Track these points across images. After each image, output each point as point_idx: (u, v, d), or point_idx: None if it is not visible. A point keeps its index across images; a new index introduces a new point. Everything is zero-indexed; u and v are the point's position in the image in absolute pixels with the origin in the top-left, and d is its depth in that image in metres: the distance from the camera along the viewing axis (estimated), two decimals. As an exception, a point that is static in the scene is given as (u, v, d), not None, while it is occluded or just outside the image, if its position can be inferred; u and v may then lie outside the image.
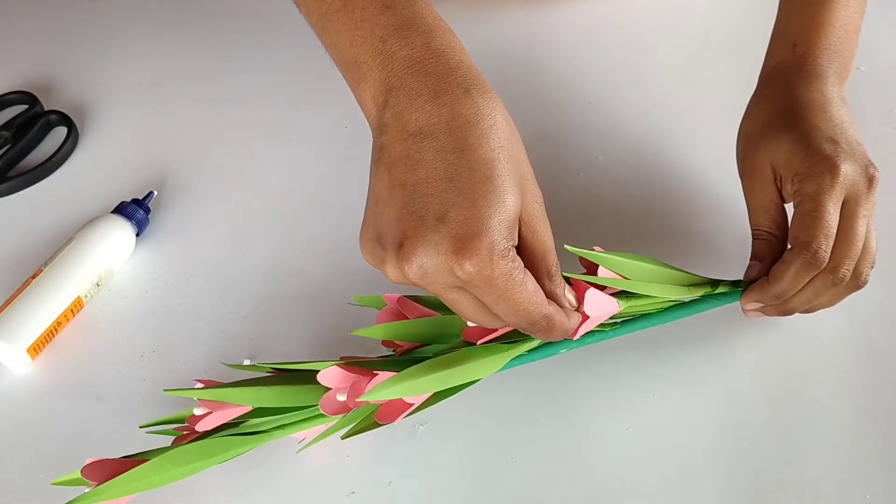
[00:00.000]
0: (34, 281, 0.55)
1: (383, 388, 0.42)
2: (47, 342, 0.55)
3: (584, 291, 0.43)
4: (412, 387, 0.42)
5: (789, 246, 0.47)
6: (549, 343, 0.46)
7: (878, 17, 0.71)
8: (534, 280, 0.39)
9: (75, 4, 0.79)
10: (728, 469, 0.48)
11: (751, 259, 0.50)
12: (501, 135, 0.38)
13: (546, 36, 0.72)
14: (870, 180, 0.46)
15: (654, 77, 0.69)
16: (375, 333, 0.47)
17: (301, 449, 0.46)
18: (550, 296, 0.40)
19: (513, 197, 0.37)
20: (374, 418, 0.44)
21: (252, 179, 0.65)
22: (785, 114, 0.49)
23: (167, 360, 0.54)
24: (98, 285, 0.58)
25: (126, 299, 0.58)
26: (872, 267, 0.48)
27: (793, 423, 0.49)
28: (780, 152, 0.48)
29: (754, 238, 0.50)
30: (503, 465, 0.49)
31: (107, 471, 0.43)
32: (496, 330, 0.44)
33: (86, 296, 0.57)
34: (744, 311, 0.50)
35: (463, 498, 0.48)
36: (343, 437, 0.45)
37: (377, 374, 0.42)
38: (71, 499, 0.43)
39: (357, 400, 0.42)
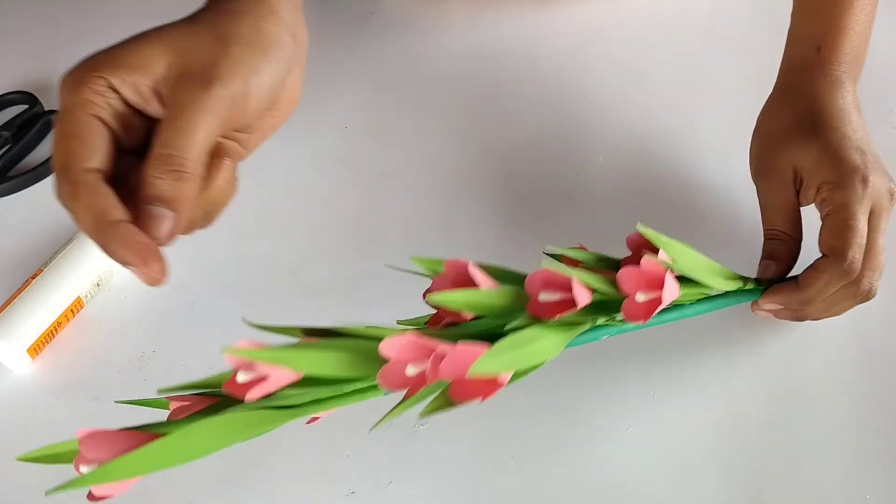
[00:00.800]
0: (34, 281, 0.55)
1: (490, 359, 0.37)
2: (47, 342, 0.55)
3: (663, 274, 0.41)
4: (511, 361, 0.39)
5: (820, 254, 0.47)
6: (595, 327, 0.43)
7: (878, 17, 0.71)
8: None
9: (75, 3, 0.79)
10: (728, 469, 0.48)
11: (764, 259, 0.50)
12: None
13: (546, 36, 0.72)
14: (891, 195, 0.47)
15: (655, 77, 0.69)
16: (454, 299, 0.40)
17: (375, 427, 0.39)
18: None
19: None
20: (450, 396, 0.39)
21: (252, 179, 0.65)
22: (813, 117, 0.49)
23: (167, 360, 0.54)
24: (98, 285, 0.57)
25: (126, 299, 0.58)
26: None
27: (793, 424, 0.49)
28: (808, 157, 0.48)
29: (769, 238, 0.50)
30: (503, 465, 0.49)
31: (111, 445, 0.38)
32: (566, 306, 0.41)
33: (86, 296, 0.57)
34: (756, 309, 0.50)
35: (463, 498, 0.48)
36: (421, 415, 0.39)
37: (460, 345, 0.37)
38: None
39: (469, 373, 0.37)
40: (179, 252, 0.60)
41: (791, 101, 0.51)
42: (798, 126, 0.49)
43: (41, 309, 0.55)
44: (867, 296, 0.48)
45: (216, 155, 0.37)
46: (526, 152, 0.63)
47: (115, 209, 0.33)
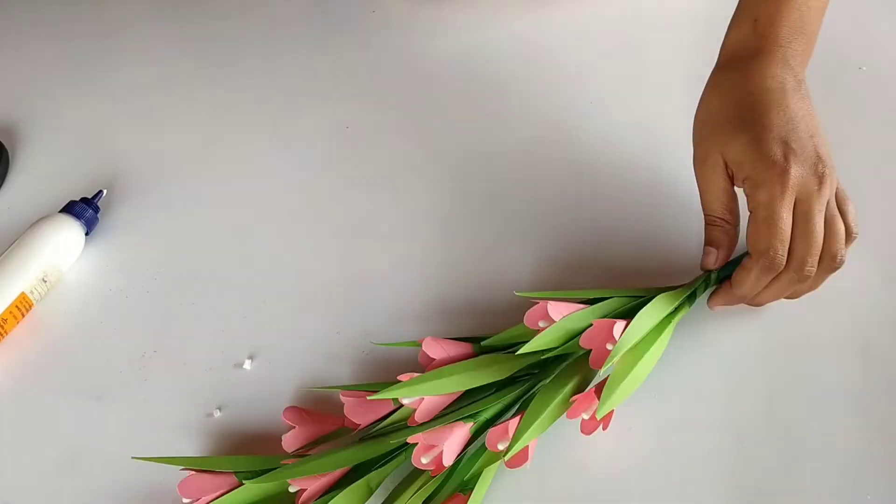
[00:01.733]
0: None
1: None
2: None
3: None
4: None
5: (747, 248, 0.48)
6: None
7: (879, 17, 0.71)
8: None
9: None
10: (728, 469, 0.48)
11: (706, 245, 0.51)
12: None
13: (546, 36, 0.72)
14: (820, 178, 0.47)
15: (655, 77, 0.69)
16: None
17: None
18: None
19: None
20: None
21: (254, 180, 0.65)
22: (739, 107, 0.49)
23: (167, 360, 0.55)
24: (45, 281, 0.57)
25: (127, 299, 0.58)
26: (847, 244, 0.48)
27: (793, 424, 0.49)
28: (732, 151, 0.48)
29: (708, 224, 0.51)
30: (502, 464, 0.48)
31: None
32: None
33: (31, 292, 0.56)
34: (710, 307, 0.53)
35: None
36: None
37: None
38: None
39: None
40: (181, 252, 0.61)
41: (723, 87, 0.51)
42: (727, 115, 0.50)
43: None
44: (832, 266, 0.48)
45: None
46: (526, 152, 0.63)
47: None
